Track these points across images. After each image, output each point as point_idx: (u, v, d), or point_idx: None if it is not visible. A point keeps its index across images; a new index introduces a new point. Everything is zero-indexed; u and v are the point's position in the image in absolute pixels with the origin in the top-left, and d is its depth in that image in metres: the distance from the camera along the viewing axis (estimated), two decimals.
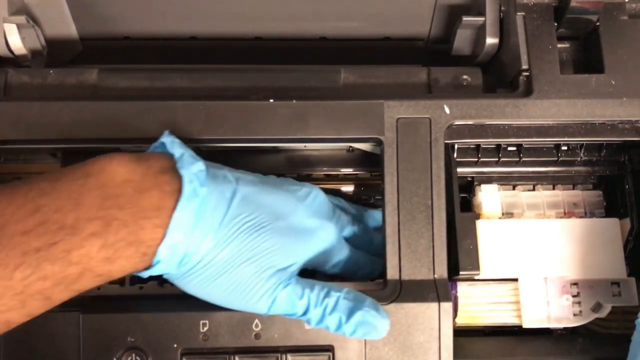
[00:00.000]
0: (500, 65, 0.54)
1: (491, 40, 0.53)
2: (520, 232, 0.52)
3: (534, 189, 0.55)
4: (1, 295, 0.34)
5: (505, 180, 0.54)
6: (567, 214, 0.53)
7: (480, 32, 0.54)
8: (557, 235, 0.52)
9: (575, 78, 0.51)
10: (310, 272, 0.49)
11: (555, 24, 0.53)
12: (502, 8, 0.53)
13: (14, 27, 0.51)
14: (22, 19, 0.51)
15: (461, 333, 0.50)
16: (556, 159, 0.53)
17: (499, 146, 0.52)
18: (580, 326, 0.52)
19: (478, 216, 0.52)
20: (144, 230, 0.37)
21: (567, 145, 0.53)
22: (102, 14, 0.55)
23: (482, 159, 0.53)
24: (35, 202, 0.36)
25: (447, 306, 0.46)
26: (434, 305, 0.46)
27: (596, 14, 0.52)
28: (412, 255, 0.47)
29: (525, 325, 0.50)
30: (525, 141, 0.51)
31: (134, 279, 0.53)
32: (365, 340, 0.45)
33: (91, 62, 0.57)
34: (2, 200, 0.36)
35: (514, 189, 0.54)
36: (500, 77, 0.54)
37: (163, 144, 0.43)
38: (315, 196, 0.47)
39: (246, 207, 0.41)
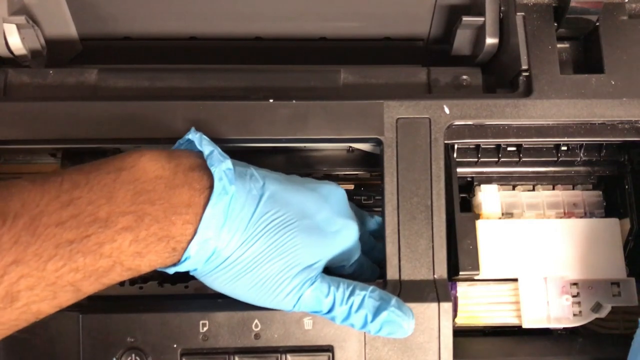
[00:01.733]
0: (500, 66, 0.54)
1: (491, 41, 0.53)
2: (520, 232, 0.52)
3: (533, 189, 0.55)
4: (34, 286, 0.35)
5: (505, 181, 0.54)
6: (567, 214, 0.53)
7: (480, 32, 0.54)
8: (557, 236, 0.52)
9: (575, 78, 0.51)
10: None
11: (555, 24, 0.53)
12: (502, 8, 0.53)
13: (13, 27, 0.51)
14: (21, 19, 0.51)
15: (461, 333, 0.50)
16: (556, 159, 0.53)
17: (498, 146, 0.52)
18: (580, 326, 0.52)
19: (478, 216, 0.52)
20: (175, 226, 0.38)
21: (567, 145, 0.53)
22: (102, 14, 0.55)
23: (482, 159, 0.53)
24: (70, 194, 0.36)
25: (446, 306, 0.46)
26: (434, 305, 0.46)
27: (596, 14, 0.52)
28: (412, 255, 0.47)
29: (525, 326, 0.50)
30: (525, 141, 0.51)
31: (134, 279, 0.54)
32: (365, 340, 0.45)
33: (91, 62, 0.57)
34: (36, 191, 0.36)
35: (513, 189, 0.54)
36: (500, 77, 0.54)
37: (189, 141, 0.43)
38: (338, 195, 0.47)
39: (273, 205, 0.42)
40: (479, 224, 0.51)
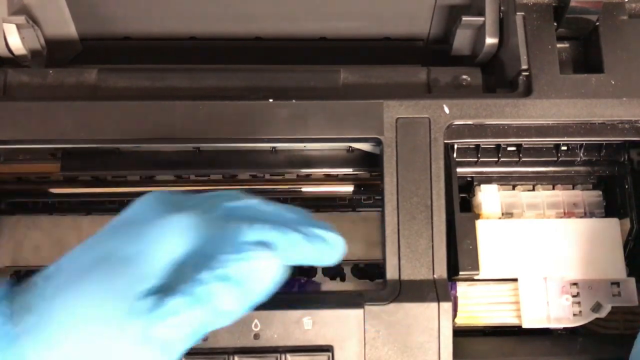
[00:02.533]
0: (500, 65, 0.54)
1: (491, 40, 0.53)
2: (520, 232, 0.52)
3: (533, 189, 0.55)
4: None
5: (505, 181, 0.54)
6: (567, 214, 0.53)
7: (480, 32, 0.54)
8: (557, 235, 0.52)
9: (575, 78, 0.51)
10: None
11: (555, 24, 0.53)
12: (502, 8, 0.53)
13: (13, 27, 0.51)
14: (21, 19, 0.51)
15: (461, 333, 0.50)
16: (556, 159, 0.53)
17: (498, 146, 0.52)
18: (580, 326, 0.52)
19: (478, 216, 0.52)
20: None
21: (567, 145, 0.53)
22: (102, 14, 0.55)
23: (481, 159, 0.53)
24: None
25: (446, 306, 0.46)
26: (434, 305, 0.46)
27: (596, 13, 0.52)
28: (412, 255, 0.47)
29: (525, 325, 0.50)
30: (524, 141, 0.51)
31: None
32: (364, 340, 0.45)
33: (91, 62, 0.57)
34: None
35: (513, 189, 0.54)
36: (500, 77, 0.54)
37: None
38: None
39: None
40: (478, 224, 0.51)
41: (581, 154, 0.53)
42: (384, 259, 0.47)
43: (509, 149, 0.53)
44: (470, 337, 0.52)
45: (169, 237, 0.34)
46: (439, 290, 0.46)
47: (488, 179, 0.54)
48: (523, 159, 0.53)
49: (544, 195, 0.53)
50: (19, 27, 0.51)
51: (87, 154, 0.53)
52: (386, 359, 0.45)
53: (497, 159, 0.53)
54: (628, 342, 0.46)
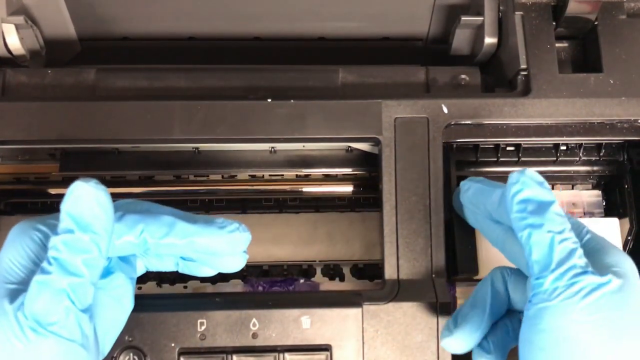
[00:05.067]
0: (499, 65, 0.54)
1: (490, 40, 0.53)
2: None
3: None
4: None
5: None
6: (567, 214, 0.53)
7: (478, 32, 0.54)
8: None
9: (574, 77, 0.51)
10: None
11: (554, 23, 0.53)
12: (501, 7, 0.53)
13: (12, 27, 0.51)
14: (20, 19, 0.51)
15: None
16: (555, 158, 0.53)
17: (497, 146, 0.52)
18: None
19: None
20: None
21: (566, 145, 0.53)
22: (101, 14, 0.56)
23: (480, 159, 0.53)
24: None
25: (445, 306, 0.46)
26: (432, 304, 0.46)
27: (595, 13, 0.52)
28: (411, 254, 0.47)
29: None
30: (523, 141, 0.51)
31: None
32: (363, 339, 0.45)
33: (89, 62, 0.57)
34: None
35: None
36: (498, 76, 0.54)
37: None
38: None
39: None
40: None
41: (581, 154, 0.53)
42: (383, 258, 0.47)
43: (507, 148, 0.52)
44: None
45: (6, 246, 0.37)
46: (438, 290, 0.46)
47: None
48: (522, 159, 0.53)
49: None
50: (17, 27, 0.51)
51: (86, 154, 0.53)
52: (385, 359, 0.45)
53: (496, 159, 0.53)
54: None
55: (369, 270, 0.58)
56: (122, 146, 0.52)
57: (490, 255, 0.51)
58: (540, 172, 0.53)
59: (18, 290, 0.35)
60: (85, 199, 0.35)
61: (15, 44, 0.52)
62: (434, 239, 0.47)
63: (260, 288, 0.57)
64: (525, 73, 0.51)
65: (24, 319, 0.34)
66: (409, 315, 0.46)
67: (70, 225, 0.35)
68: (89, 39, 0.57)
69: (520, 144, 0.52)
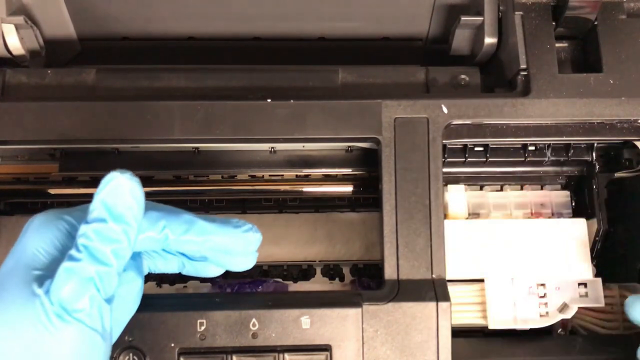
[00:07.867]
0: (499, 65, 0.54)
1: (489, 40, 0.53)
2: (486, 232, 0.51)
3: (501, 189, 0.54)
4: None
5: (473, 181, 0.54)
6: (535, 215, 0.53)
7: (478, 32, 0.54)
8: (524, 236, 0.51)
9: (574, 77, 0.51)
10: None
11: (554, 23, 0.53)
12: (501, 8, 0.53)
13: (12, 27, 0.51)
14: (20, 19, 0.51)
15: (460, 333, 0.50)
16: (524, 159, 0.53)
17: (465, 146, 0.52)
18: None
19: (444, 216, 0.52)
20: None
21: (535, 145, 0.52)
22: (101, 14, 0.56)
23: (448, 159, 0.52)
24: None
25: (445, 306, 0.46)
26: (432, 304, 0.46)
27: (594, 13, 0.52)
28: (410, 254, 0.47)
29: (491, 326, 0.50)
30: (523, 141, 0.51)
31: None
32: (363, 339, 0.45)
33: (89, 62, 0.57)
34: None
35: (481, 189, 0.54)
36: (498, 76, 0.54)
37: None
38: None
39: None
40: (445, 224, 0.50)
41: (549, 154, 0.53)
42: (383, 258, 0.47)
43: (476, 149, 0.52)
44: (469, 337, 0.51)
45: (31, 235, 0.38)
46: (438, 290, 0.46)
47: (456, 179, 0.54)
48: (490, 159, 0.52)
49: (511, 195, 0.53)
50: (17, 27, 0.51)
51: (85, 154, 0.53)
52: (384, 359, 0.45)
53: (464, 159, 0.52)
54: (628, 342, 0.46)
55: (369, 271, 0.58)
56: (122, 146, 0.52)
57: (458, 256, 0.51)
58: (509, 173, 0.54)
59: (44, 277, 0.35)
60: (120, 190, 0.36)
61: (15, 44, 0.52)
62: (433, 239, 0.47)
63: (229, 289, 0.56)
64: (525, 73, 0.51)
65: (50, 305, 0.34)
66: (408, 315, 0.46)
67: (103, 215, 0.35)
68: (89, 39, 0.57)
69: (487, 144, 0.52)
